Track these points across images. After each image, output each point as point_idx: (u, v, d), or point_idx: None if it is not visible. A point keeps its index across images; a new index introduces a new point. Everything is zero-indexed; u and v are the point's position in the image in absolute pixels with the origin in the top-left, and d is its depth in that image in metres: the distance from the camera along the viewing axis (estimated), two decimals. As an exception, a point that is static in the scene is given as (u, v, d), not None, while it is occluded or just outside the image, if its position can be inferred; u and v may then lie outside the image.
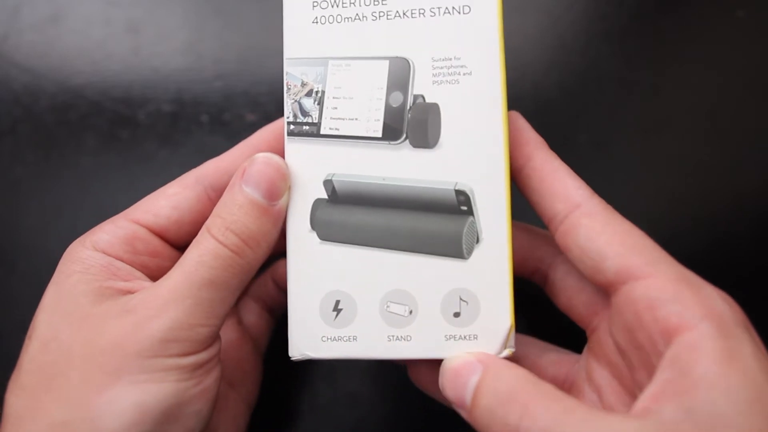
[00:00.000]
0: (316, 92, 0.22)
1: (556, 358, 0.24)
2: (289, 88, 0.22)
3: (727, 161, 0.30)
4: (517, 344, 0.21)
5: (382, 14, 0.22)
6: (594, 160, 0.30)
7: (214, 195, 0.23)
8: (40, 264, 0.30)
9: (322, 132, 0.22)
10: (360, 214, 0.21)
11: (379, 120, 0.22)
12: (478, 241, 0.21)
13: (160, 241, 0.22)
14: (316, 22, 0.22)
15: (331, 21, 0.22)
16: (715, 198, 0.30)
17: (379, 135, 0.21)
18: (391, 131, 0.21)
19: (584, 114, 0.30)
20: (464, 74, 0.21)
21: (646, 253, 0.19)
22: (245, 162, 0.21)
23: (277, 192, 0.20)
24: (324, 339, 0.21)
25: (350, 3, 0.22)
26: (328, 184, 0.21)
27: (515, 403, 0.17)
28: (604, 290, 0.20)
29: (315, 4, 0.22)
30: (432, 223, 0.21)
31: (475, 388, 0.19)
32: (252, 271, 0.20)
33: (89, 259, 0.21)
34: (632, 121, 0.30)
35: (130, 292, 0.20)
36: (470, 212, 0.21)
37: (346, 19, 0.22)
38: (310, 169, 0.21)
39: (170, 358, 0.18)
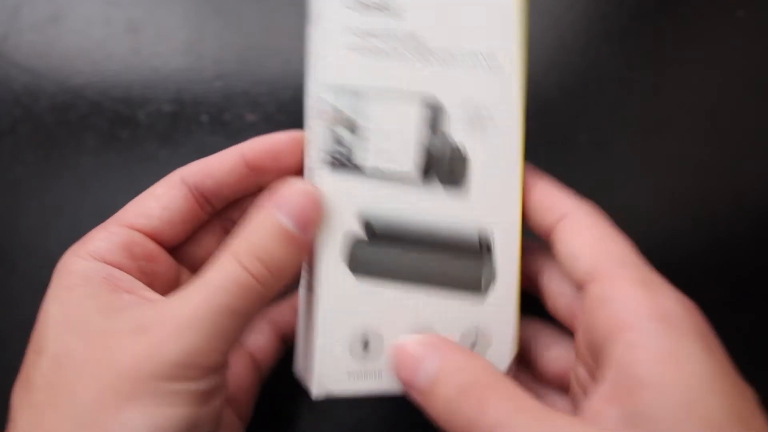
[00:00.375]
0: (352, 123, 0.21)
1: (561, 353, 0.24)
2: (322, 115, 0.21)
3: (727, 161, 0.30)
4: (527, 331, 0.24)
5: (419, 52, 0.22)
6: (594, 160, 0.30)
7: (200, 197, 0.22)
8: (40, 264, 0.30)
9: (356, 164, 0.21)
10: (397, 254, 0.22)
11: (411, 158, 0.22)
12: (494, 279, 0.23)
13: (154, 244, 0.22)
14: (354, 50, 0.21)
15: (368, 51, 0.21)
16: (715, 198, 0.30)
17: (411, 172, 0.22)
18: (422, 170, 0.22)
19: (584, 114, 0.30)
20: (489, 121, 0.23)
21: (615, 257, 0.20)
22: (278, 185, 0.20)
23: (310, 223, 0.20)
24: (350, 375, 0.21)
25: (388, 36, 0.21)
26: (367, 224, 0.21)
27: (473, 396, 0.18)
28: (580, 291, 0.21)
29: (352, 30, 0.21)
30: (458, 263, 0.23)
31: (436, 377, 0.19)
32: (270, 300, 0.20)
33: (89, 271, 0.20)
34: (632, 121, 0.30)
35: (135, 304, 0.20)
36: (490, 254, 0.23)
37: (384, 52, 0.21)
38: (343, 201, 0.21)
39: (184, 383, 0.18)
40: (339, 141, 0.21)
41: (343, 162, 0.21)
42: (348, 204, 0.21)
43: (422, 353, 0.19)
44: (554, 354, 0.24)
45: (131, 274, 0.21)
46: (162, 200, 0.22)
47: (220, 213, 0.25)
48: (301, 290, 0.23)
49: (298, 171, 0.23)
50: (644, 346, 0.17)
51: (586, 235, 0.20)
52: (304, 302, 0.22)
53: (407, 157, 0.22)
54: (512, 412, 0.17)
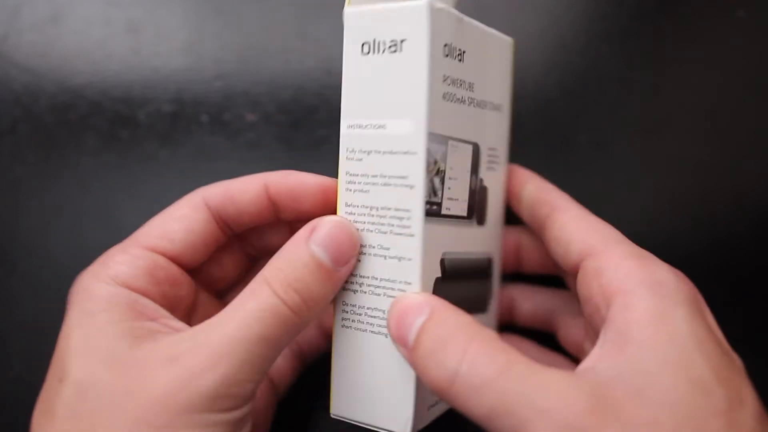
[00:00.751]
0: (441, 171, 0.21)
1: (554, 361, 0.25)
2: (428, 166, 0.20)
3: (727, 161, 0.30)
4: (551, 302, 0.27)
5: (471, 100, 0.22)
6: (594, 160, 0.30)
7: (220, 220, 0.23)
8: (40, 264, 0.30)
9: (442, 212, 0.21)
10: (462, 287, 0.23)
11: (466, 200, 0.23)
12: (492, 298, 0.26)
13: (176, 267, 0.22)
14: (444, 98, 0.21)
15: (450, 99, 0.21)
16: (715, 198, 0.30)
17: (465, 215, 0.23)
18: (471, 211, 0.23)
19: (584, 114, 0.30)
20: (496, 159, 0.25)
21: (607, 237, 0.21)
22: (316, 220, 0.20)
23: (344, 258, 0.20)
24: (430, 408, 0.22)
25: (459, 84, 0.21)
26: (443, 265, 0.22)
27: (456, 346, 0.17)
28: (573, 274, 0.22)
29: (445, 77, 0.21)
30: (482, 288, 0.25)
31: (419, 330, 0.18)
32: (302, 330, 0.20)
33: (113, 297, 0.20)
34: (632, 121, 0.30)
35: (159, 332, 0.19)
36: (490, 278, 0.26)
37: (457, 100, 0.21)
38: (434, 247, 0.21)
39: (218, 414, 0.18)
40: (435, 190, 0.21)
41: (435, 211, 0.21)
42: (436, 249, 0.21)
43: (414, 307, 0.19)
44: (550, 360, 0.25)
45: (155, 300, 0.21)
46: (185, 223, 0.22)
47: (242, 239, 0.25)
48: (358, 333, 0.22)
49: (318, 215, 0.22)
50: (637, 307, 0.18)
51: (577, 221, 0.22)
52: (367, 347, 0.22)
53: (464, 200, 0.22)
54: (504, 364, 0.17)
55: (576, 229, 0.21)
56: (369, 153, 0.21)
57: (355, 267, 0.21)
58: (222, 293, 0.26)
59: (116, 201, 0.30)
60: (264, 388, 0.25)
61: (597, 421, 0.15)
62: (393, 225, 0.21)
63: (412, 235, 0.20)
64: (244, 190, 0.22)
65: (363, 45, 0.21)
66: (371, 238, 0.21)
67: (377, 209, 0.21)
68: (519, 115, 0.30)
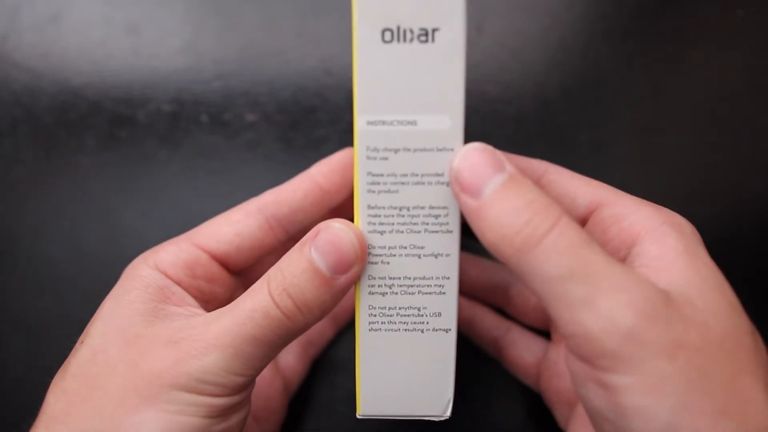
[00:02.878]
0: None
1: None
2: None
3: (728, 161, 0.30)
4: None
5: None
6: (594, 160, 0.30)
7: (275, 224, 0.23)
8: (40, 264, 0.30)
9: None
10: None
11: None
12: None
13: (218, 267, 0.23)
14: None
15: None
16: (715, 198, 0.30)
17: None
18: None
19: (584, 114, 0.30)
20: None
21: (609, 189, 0.21)
22: (321, 224, 0.20)
23: (344, 267, 0.19)
24: (449, 400, 0.22)
25: None
26: None
27: (550, 210, 0.18)
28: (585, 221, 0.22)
29: None
30: None
31: (501, 185, 0.18)
32: (299, 334, 0.20)
33: (149, 279, 0.21)
34: (632, 121, 0.30)
35: (179, 316, 0.21)
36: None
37: None
38: None
39: (202, 396, 0.19)
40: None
41: None
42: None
43: (494, 163, 0.19)
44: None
45: (188, 292, 0.22)
46: (236, 227, 0.23)
47: (290, 242, 0.25)
48: (390, 334, 0.21)
49: None
50: (668, 241, 0.19)
51: (575, 181, 0.22)
52: (401, 345, 0.21)
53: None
54: (581, 242, 0.17)
55: (578, 185, 0.22)
56: (396, 151, 0.20)
57: (380, 270, 0.20)
58: None
59: (116, 201, 0.30)
60: (276, 387, 0.26)
61: (665, 309, 0.17)
62: (428, 224, 0.20)
63: (450, 231, 0.20)
64: (295, 189, 0.23)
65: (384, 32, 0.19)
66: (401, 239, 0.20)
67: (408, 209, 0.20)
68: (519, 115, 0.30)
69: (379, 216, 0.20)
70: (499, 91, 0.31)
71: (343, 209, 0.25)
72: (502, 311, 0.28)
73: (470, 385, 0.29)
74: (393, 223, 0.20)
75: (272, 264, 0.24)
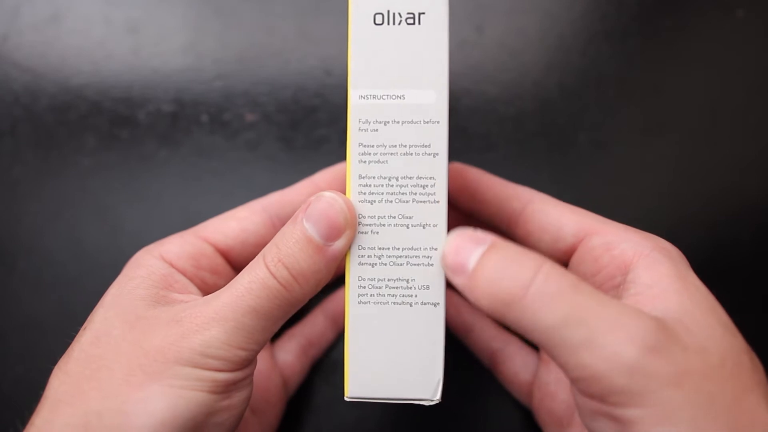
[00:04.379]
0: None
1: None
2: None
3: (727, 161, 0.30)
4: None
5: None
6: (594, 160, 0.30)
7: (279, 223, 0.24)
8: (40, 264, 0.30)
9: None
10: None
11: None
12: None
13: (222, 260, 0.24)
14: None
15: None
16: (715, 198, 0.30)
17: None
18: None
19: (584, 114, 0.30)
20: None
21: (595, 218, 0.22)
22: (312, 197, 0.21)
23: (335, 233, 0.20)
24: (439, 382, 0.22)
25: None
26: None
27: (530, 261, 0.18)
28: (564, 260, 0.23)
29: None
30: None
31: (482, 255, 0.19)
32: (298, 305, 0.21)
33: (153, 267, 0.22)
34: (632, 121, 0.30)
35: (181, 302, 0.21)
36: None
37: None
38: None
39: (206, 371, 0.19)
40: None
41: None
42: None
43: (474, 239, 0.20)
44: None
45: (192, 281, 0.23)
46: (243, 223, 0.24)
47: None
48: (379, 307, 0.22)
49: None
50: (660, 267, 0.19)
51: (560, 209, 0.23)
52: (389, 319, 0.22)
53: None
54: (570, 287, 0.17)
55: (563, 214, 0.22)
56: (386, 123, 0.21)
57: (369, 240, 0.21)
58: None
59: (116, 201, 0.30)
60: (275, 381, 0.26)
61: (666, 341, 0.17)
62: (415, 194, 0.21)
63: (437, 202, 0.21)
64: (298, 192, 0.25)
65: (375, 16, 0.21)
66: (390, 209, 0.21)
67: (397, 179, 0.21)
68: (519, 115, 0.30)
69: (369, 186, 0.21)
70: (499, 91, 0.31)
71: None
72: None
73: (467, 385, 0.29)
74: (382, 193, 0.21)
75: None
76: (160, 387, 0.19)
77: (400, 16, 0.21)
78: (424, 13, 0.21)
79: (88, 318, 0.21)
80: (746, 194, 0.30)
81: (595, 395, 0.17)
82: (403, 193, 0.21)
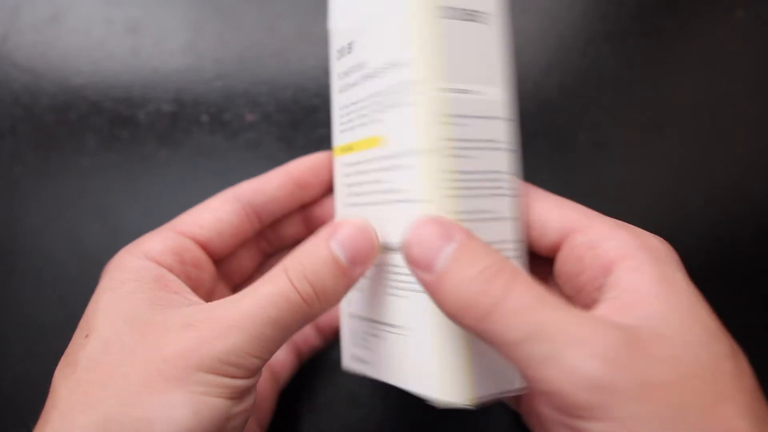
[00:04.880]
0: None
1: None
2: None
3: (728, 161, 0.30)
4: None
5: None
6: (594, 160, 0.30)
7: (251, 212, 0.25)
8: (40, 264, 0.30)
9: None
10: None
11: None
12: None
13: (202, 252, 0.24)
14: None
15: None
16: (715, 198, 0.30)
17: None
18: None
19: (584, 114, 0.30)
20: None
21: (581, 212, 0.21)
22: (339, 221, 0.22)
23: (361, 259, 0.21)
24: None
25: None
26: None
27: (501, 276, 0.18)
28: (550, 256, 0.22)
29: None
30: None
31: (452, 257, 0.18)
32: (312, 320, 0.21)
33: (141, 269, 0.22)
34: (632, 121, 0.30)
35: (181, 304, 0.21)
36: None
37: None
38: None
39: (226, 378, 0.19)
40: None
41: None
42: None
43: (440, 234, 0.19)
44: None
45: (179, 278, 0.23)
46: (216, 213, 0.24)
47: (260, 235, 0.27)
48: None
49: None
50: (643, 269, 0.19)
51: (547, 202, 0.22)
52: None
53: None
54: (535, 301, 0.17)
55: (548, 210, 0.22)
56: (472, 118, 0.21)
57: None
58: (237, 287, 0.27)
59: (116, 201, 0.30)
60: (267, 377, 0.27)
61: (629, 352, 0.17)
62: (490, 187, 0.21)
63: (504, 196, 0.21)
64: (270, 180, 0.25)
65: (440, 8, 0.20)
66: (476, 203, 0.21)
67: (480, 173, 0.21)
68: (519, 115, 0.30)
69: (467, 180, 0.21)
70: (499, 91, 0.31)
71: (317, 207, 0.27)
72: None
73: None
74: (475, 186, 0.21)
75: (248, 258, 0.27)
76: (184, 394, 0.19)
77: (464, 13, 0.21)
78: (483, 12, 0.21)
79: (83, 326, 0.21)
80: (746, 194, 0.30)
81: (560, 409, 0.17)
82: (485, 187, 0.21)
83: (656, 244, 0.20)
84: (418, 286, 0.20)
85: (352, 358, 0.24)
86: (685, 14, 0.30)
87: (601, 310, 0.19)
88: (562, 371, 0.16)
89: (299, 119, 0.31)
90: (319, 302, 0.20)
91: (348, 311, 0.24)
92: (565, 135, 0.30)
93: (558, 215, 0.21)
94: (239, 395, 0.20)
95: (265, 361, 0.20)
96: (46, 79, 0.31)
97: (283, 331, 0.20)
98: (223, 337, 0.19)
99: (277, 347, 0.20)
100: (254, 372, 0.20)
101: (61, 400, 0.19)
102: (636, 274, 0.19)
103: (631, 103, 0.30)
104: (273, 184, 0.25)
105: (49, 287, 0.30)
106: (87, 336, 0.20)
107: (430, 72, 0.20)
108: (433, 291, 0.19)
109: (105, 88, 0.31)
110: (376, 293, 0.23)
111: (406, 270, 0.21)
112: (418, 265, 0.19)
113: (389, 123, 0.21)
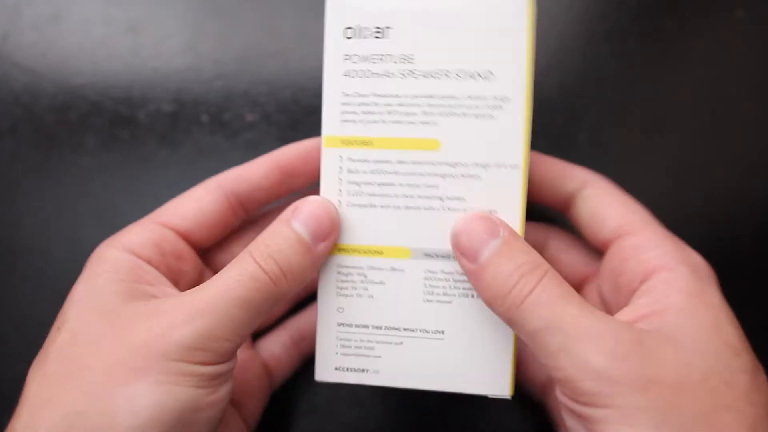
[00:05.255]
0: None
1: (576, 260, 0.26)
2: None
3: (728, 161, 0.30)
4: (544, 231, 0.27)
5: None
6: (594, 160, 0.30)
7: (234, 200, 0.24)
8: (40, 264, 0.30)
9: None
10: None
11: None
12: None
13: (185, 244, 0.24)
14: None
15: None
16: (715, 198, 0.30)
17: None
18: None
19: (584, 114, 0.30)
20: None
21: (639, 216, 0.23)
22: (300, 200, 0.22)
23: (323, 235, 0.22)
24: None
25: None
26: None
27: (535, 273, 0.20)
28: (602, 249, 0.24)
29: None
30: None
31: (495, 251, 0.20)
32: (282, 301, 0.21)
33: (118, 260, 0.22)
34: (632, 121, 0.30)
35: (155, 296, 0.21)
36: None
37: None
38: None
39: (193, 365, 0.19)
40: None
41: None
42: None
43: (488, 228, 0.21)
44: (572, 259, 0.26)
45: (159, 270, 0.22)
46: (199, 203, 0.24)
47: (249, 223, 0.26)
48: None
49: None
50: (678, 282, 0.20)
51: (610, 199, 0.23)
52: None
53: None
54: (559, 297, 0.19)
55: (610, 206, 0.23)
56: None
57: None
58: None
59: (116, 201, 0.30)
60: (255, 372, 0.26)
61: (637, 351, 0.18)
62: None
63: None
64: (256, 167, 0.24)
65: (533, 26, 0.22)
66: None
67: None
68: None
69: None
70: (499, 91, 0.31)
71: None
72: None
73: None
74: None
75: (237, 246, 0.26)
76: (146, 384, 0.18)
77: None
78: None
79: (59, 317, 0.21)
80: (746, 194, 0.30)
81: (569, 395, 0.19)
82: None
83: (698, 261, 0.21)
84: (465, 291, 0.22)
85: (338, 369, 0.24)
86: (685, 14, 0.30)
87: (624, 313, 0.20)
88: (572, 361, 0.18)
89: (299, 119, 0.31)
90: (287, 281, 0.21)
91: (338, 321, 0.23)
92: (565, 135, 0.30)
93: (616, 214, 0.23)
94: (209, 383, 0.20)
95: (237, 344, 0.20)
96: (46, 79, 0.31)
97: (252, 311, 0.20)
98: (190, 322, 0.19)
99: (249, 329, 0.21)
100: (226, 356, 0.20)
101: (30, 394, 0.19)
102: (669, 287, 0.20)
103: (631, 103, 0.30)
104: (259, 172, 0.24)
105: (49, 287, 0.30)
106: (59, 328, 0.20)
107: (520, 90, 0.21)
108: (474, 278, 0.21)
109: (105, 88, 0.31)
110: (403, 301, 0.23)
111: (454, 276, 0.22)
112: (464, 254, 0.21)
113: (451, 129, 0.22)
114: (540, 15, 0.31)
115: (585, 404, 0.18)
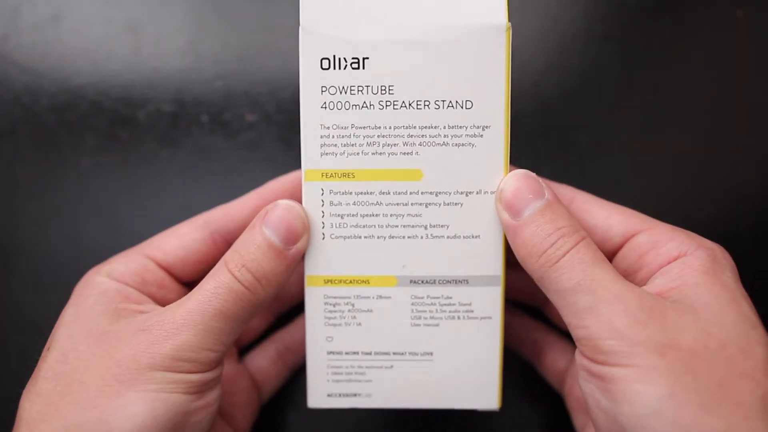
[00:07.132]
0: None
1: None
2: None
3: (727, 161, 0.30)
4: None
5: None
6: (594, 160, 0.30)
7: (219, 239, 0.25)
8: (40, 264, 0.30)
9: None
10: None
11: None
12: None
13: (166, 274, 0.24)
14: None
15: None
16: (715, 198, 0.30)
17: None
18: None
19: (584, 114, 0.30)
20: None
21: (642, 216, 0.23)
22: (269, 206, 0.22)
23: (293, 238, 0.22)
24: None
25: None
26: None
27: (574, 235, 0.21)
28: (609, 256, 0.24)
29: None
30: None
31: (540, 209, 0.21)
32: (261, 307, 0.22)
33: (104, 284, 0.22)
34: (632, 121, 0.30)
35: (142, 313, 0.22)
36: None
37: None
38: None
39: (179, 374, 0.20)
40: None
41: None
42: None
43: (537, 188, 0.21)
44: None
45: (142, 294, 0.23)
46: (182, 240, 0.24)
47: None
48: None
49: None
50: (694, 263, 0.21)
51: (607, 208, 0.24)
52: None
53: None
54: (593, 261, 0.20)
55: (610, 215, 0.23)
56: None
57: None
58: None
59: (116, 201, 0.30)
60: (243, 384, 0.27)
61: (660, 318, 0.19)
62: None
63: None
64: (243, 205, 0.25)
65: (509, 55, 0.22)
66: None
67: None
68: (518, 115, 0.30)
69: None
70: (499, 91, 0.30)
71: None
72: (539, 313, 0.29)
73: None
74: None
75: None
76: (137, 393, 0.19)
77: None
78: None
79: (50, 339, 0.22)
80: (746, 194, 0.30)
81: (588, 355, 0.19)
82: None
83: (714, 246, 0.22)
84: (451, 314, 0.23)
85: (331, 395, 0.24)
86: (685, 14, 0.30)
87: (646, 288, 0.21)
88: (597, 320, 0.19)
89: (299, 119, 0.31)
90: (263, 288, 0.21)
91: (327, 349, 0.23)
92: (565, 135, 0.30)
93: (620, 220, 0.23)
94: (198, 389, 0.20)
95: (221, 353, 0.21)
96: (46, 79, 0.31)
97: (232, 321, 0.21)
98: (173, 336, 0.20)
99: (231, 338, 0.21)
100: (211, 365, 0.21)
101: (25, 412, 0.20)
102: (686, 268, 0.20)
103: (631, 104, 0.30)
104: (245, 211, 0.25)
105: (49, 288, 0.30)
106: (48, 349, 0.21)
107: (499, 118, 0.22)
108: (512, 233, 0.21)
109: (105, 88, 0.31)
110: (392, 326, 0.23)
111: (441, 300, 0.23)
112: (508, 208, 0.21)
113: (432, 159, 0.22)
114: (540, 15, 0.31)
115: (603, 363, 0.19)
